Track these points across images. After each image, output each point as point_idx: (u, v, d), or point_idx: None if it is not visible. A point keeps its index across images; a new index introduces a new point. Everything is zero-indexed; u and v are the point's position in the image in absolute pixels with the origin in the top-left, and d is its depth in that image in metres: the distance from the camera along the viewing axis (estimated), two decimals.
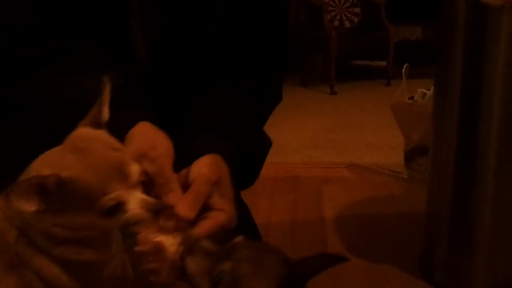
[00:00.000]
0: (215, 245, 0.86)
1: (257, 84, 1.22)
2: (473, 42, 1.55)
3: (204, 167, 0.97)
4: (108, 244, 0.92)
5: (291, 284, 0.82)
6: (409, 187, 2.62)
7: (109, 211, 0.81)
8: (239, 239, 0.86)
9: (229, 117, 1.12)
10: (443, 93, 1.71)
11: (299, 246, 2.00)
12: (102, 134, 0.86)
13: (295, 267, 0.84)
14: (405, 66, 2.74)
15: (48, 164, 0.81)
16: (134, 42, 1.15)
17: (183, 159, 0.99)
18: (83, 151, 0.82)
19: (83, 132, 0.86)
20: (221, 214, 0.95)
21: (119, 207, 0.82)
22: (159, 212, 0.87)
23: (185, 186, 0.95)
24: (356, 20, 6.17)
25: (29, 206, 0.78)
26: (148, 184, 0.93)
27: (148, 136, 0.99)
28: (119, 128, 0.96)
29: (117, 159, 0.83)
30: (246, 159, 1.11)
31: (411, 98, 2.73)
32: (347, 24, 6.15)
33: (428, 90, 2.61)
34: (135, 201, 0.83)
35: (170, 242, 0.88)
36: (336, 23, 6.08)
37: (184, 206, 0.92)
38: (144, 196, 0.85)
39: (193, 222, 0.92)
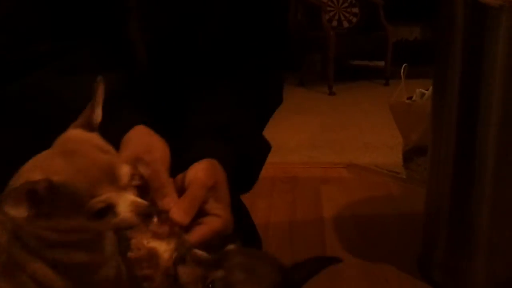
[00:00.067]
0: (208, 253, 0.85)
1: (256, 86, 1.21)
2: (472, 42, 1.55)
3: (200, 171, 0.96)
4: (102, 247, 0.92)
5: None
6: (407, 187, 2.62)
7: (98, 213, 0.80)
8: (232, 246, 0.85)
9: (227, 120, 1.11)
10: (441, 93, 1.71)
11: (298, 246, 2.00)
12: (92, 136, 0.86)
13: (289, 273, 0.83)
14: (403, 66, 2.74)
15: (37, 168, 0.81)
16: (133, 43, 1.14)
17: (179, 163, 0.98)
18: (72, 154, 0.82)
19: (73, 134, 0.86)
20: (217, 219, 0.94)
21: (109, 209, 0.81)
22: (150, 216, 0.86)
23: (181, 191, 0.94)
24: (354, 20, 6.17)
25: (21, 213, 0.77)
26: (143, 189, 0.93)
27: (143, 140, 0.98)
28: (115, 132, 0.95)
29: (106, 161, 0.83)
30: (244, 163, 1.11)
31: (410, 98, 2.73)
32: (345, 24, 6.15)
33: (427, 90, 2.61)
34: (126, 203, 0.82)
35: (164, 248, 0.88)
36: (334, 23, 6.08)
37: (179, 211, 0.91)
38: (134, 198, 0.84)
39: (188, 228, 0.91)
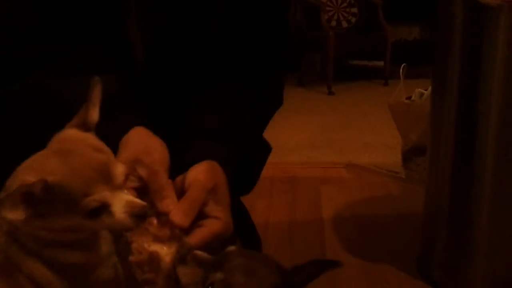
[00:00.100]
0: (208, 254, 0.84)
1: (256, 87, 1.21)
2: (471, 42, 1.55)
3: (201, 173, 0.96)
4: (97, 246, 0.91)
5: None
6: (407, 187, 2.62)
7: (93, 212, 0.80)
8: (232, 247, 0.85)
9: (227, 122, 1.11)
10: (440, 93, 1.71)
11: (297, 246, 2.00)
12: (88, 136, 0.86)
13: (289, 276, 0.82)
14: (402, 66, 2.74)
15: (32, 168, 0.81)
16: (132, 43, 1.14)
17: (179, 165, 0.98)
18: (67, 154, 0.82)
19: (68, 134, 0.86)
20: (217, 222, 0.94)
21: (103, 208, 0.81)
22: (144, 217, 0.85)
23: (181, 193, 0.94)
24: (353, 20, 6.17)
25: (18, 216, 0.78)
26: (142, 190, 0.93)
27: (142, 142, 0.98)
28: (114, 133, 0.95)
29: (101, 160, 0.83)
30: (245, 164, 1.10)
31: (409, 98, 2.73)
32: (344, 24, 6.15)
33: (426, 90, 2.62)
34: (120, 203, 0.82)
35: (165, 252, 0.87)
36: (333, 23, 6.08)
37: (179, 213, 0.90)
38: (130, 198, 0.84)
39: (188, 230, 0.91)
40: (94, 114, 0.87)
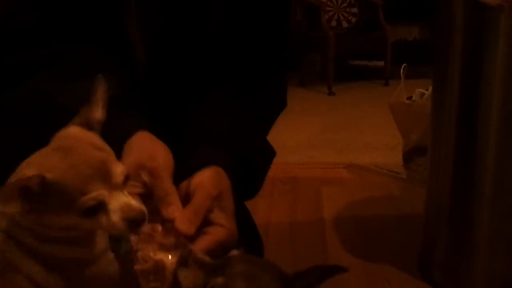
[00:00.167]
0: (210, 257, 0.84)
1: (260, 90, 1.20)
2: (471, 42, 1.55)
3: (206, 180, 0.95)
4: (94, 243, 0.90)
5: None
6: (408, 187, 2.62)
7: (89, 211, 0.80)
8: (235, 252, 0.84)
9: (231, 127, 1.10)
10: (441, 93, 1.71)
11: (298, 246, 2.00)
12: (90, 135, 0.85)
13: (291, 282, 0.81)
14: (403, 66, 2.74)
15: (32, 164, 0.81)
16: (132, 43, 1.14)
17: (183, 171, 0.97)
18: (67, 151, 0.81)
19: (71, 131, 0.86)
20: (221, 229, 0.93)
21: (100, 208, 0.80)
22: (138, 224, 0.83)
23: (185, 199, 0.93)
24: (353, 20, 6.18)
25: (13, 208, 0.77)
26: (147, 196, 0.92)
27: (146, 147, 0.97)
28: (115, 136, 0.94)
29: (100, 159, 0.82)
30: (249, 170, 1.09)
31: (409, 98, 2.73)
32: (344, 24, 6.16)
33: (426, 90, 2.61)
34: (118, 204, 0.81)
35: (170, 261, 0.87)
36: (333, 23, 6.09)
37: (183, 220, 0.90)
38: (128, 200, 0.82)
39: (192, 237, 0.90)
40: (98, 113, 0.87)
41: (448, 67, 1.63)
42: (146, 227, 0.86)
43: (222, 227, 0.93)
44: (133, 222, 0.82)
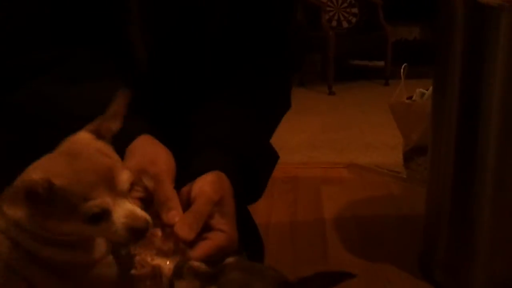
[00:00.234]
0: (206, 265, 0.82)
1: (263, 92, 1.19)
2: (472, 42, 1.55)
3: (207, 185, 0.94)
4: (95, 245, 0.89)
5: None
6: (408, 186, 2.62)
7: (93, 218, 0.79)
8: (230, 259, 0.82)
9: (233, 131, 1.09)
10: (441, 93, 1.71)
11: (299, 246, 2.00)
12: (98, 142, 0.85)
13: None
14: (403, 66, 2.74)
15: (39, 169, 0.80)
16: (133, 45, 1.13)
17: (185, 175, 0.96)
18: (74, 156, 0.81)
19: (79, 137, 0.85)
20: (222, 235, 0.92)
21: (104, 215, 0.79)
22: (142, 234, 0.82)
23: (187, 204, 0.92)
24: (354, 20, 6.18)
25: (18, 212, 0.77)
26: (148, 201, 0.91)
27: (148, 151, 0.96)
28: (118, 140, 0.93)
29: (106, 165, 0.81)
30: (251, 174, 1.08)
31: (410, 98, 2.74)
32: (345, 24, 6.16)
33: (427, 90, 2.62)
34: (122, 212, 0.80)
35: (168, 266, 0.86)
36: (334, 23, 6.09)
37: (183, 226, 0.89)
38: (133, 208, 0.82)
39: (192, 243, 0.89)
40: (114, 125, 0.86)
41: (448, 67, 1.63)
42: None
43: (223, 232, 0.92)
44: (137, 231, 0.81)
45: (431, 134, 1.80)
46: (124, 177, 0.82)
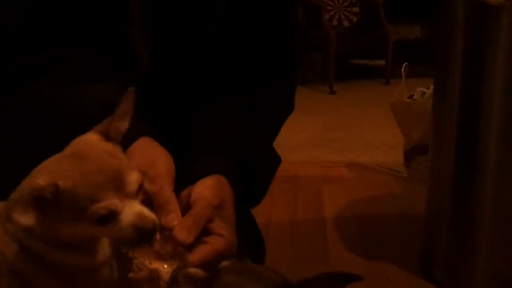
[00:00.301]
0: (204, 271, 0.80)
1: (265, 94, 1.18)
2: (473, 41, 1.55)
3: (207, 189, 0.94)
4: (101, 248, 0.89)
5: None
6: (409, 186, 2.62)
7: (101, 219, 0.78)
8: (226, 263, 0.80)
9: (235, 134, 1.08)
10: (442, 92, 1.71)
11: (299, 244, 2.00)
12: (106, 143, 0.84)
13: None
14: (404, 65, 2.74)
15: (45, 172, 0.79)
16: (134, 45, 1.13)
17: (185, 178, 0.96)
18: (81, 158, 0.80)
19: (86, 138, 0.84)
20: (221, 239, 0.91)
21: (112, 217, 0.78)
22: (151, 235, 0.82)
23: (186, 208, 0.92)
24: (355, 19, 6.18)
25: (29, 220, 0.76)
26: (147, 204, 0.91)
27: (147, 154, 0.96)
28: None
29: (114, 166, 0.80)
30: (253, 177, 1.08)
31: (411, 97, 2.73)
32: (346, 24, 6.16)
33: (428, 89, 2.62)
34: (131, 213, 0.79)
35: (166, 270, 0.85)
36: (335, 22, 6.09)
37: (182, 229, 0.88)
38: (141, 209, 0.81)
39: (190, 247, 0.89)
40: (122, 124, 0.85)
41: (449, 66, 1.63)
42: None
43: (222, 237, 0.92)
44: (145, 233, 0.80)
45: (432, 134, 1.80)
46: (133, 178, 0.81)
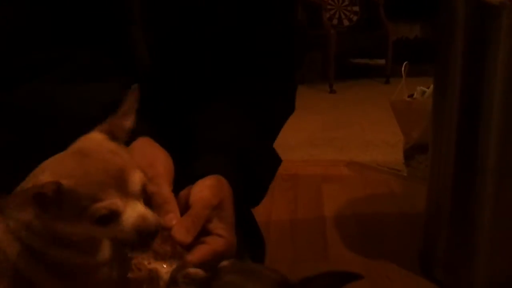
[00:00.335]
0: (204, 271, 0.79)
1: (266, 95, 1.18)
2: (473, 40, 1.55)
3: (206, 189, 0.93)
4: (102, 248, 0.88)
5: None
6: (409, 184, 2.62)
7: (102, 219, 0.77)
8: (225, 263, 0.80)
9: (235, 135, 1.08)
10: (442, 91, 1.71)
11: (299, 243, 2.00)
12: (110, 142, 0.83)
13: None
14: (404, 64, 2.74)
15: (48, 170, 0.79)
16: (135, 45, 1.13)
17: (184, 178, 0.96)
18: (84, 156, 0.80)
19: (91, 136, 0.84)
20: (219, 240, 0.91)
21: (113, 217, 0.78)
22: (153, 237, 0.81)
23: (185, 208, 0.91)
24: (355, 18, 6.18)
25: (26, 216, 0.76)
26: (145, 204, 0.91)
27: (146, 153, 0.95)
28: None
29: (117, 166, 0.79)
30: (252, 178, 1.07)
31: (411, 96, 2.74)
32: (346, 23, 6.16)
33: (428, 88, 2.62)
34: (133, 213, 0.78)
35: (165, 270, 0.85)
36: (335, 21, 6.09)
37: (181, 229, 0.88)
38: (144, 210, 0.80)
39: (189, 247, 0.88)
40: (127, 122, 0.85)
41: (449, 65, 1.63)
42: None
43: (221, 237, 0.91)
44: (147, 234, 0.80)
45: (432, 133, 1.80)
46: (136, 178, 0.80)
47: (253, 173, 1.08)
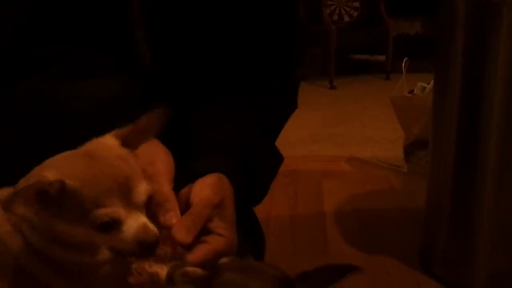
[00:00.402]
0: (203, 270, 0.78)
1: (266, 93, 1.17)
2: (473, 37, 1.55)
3: (207, 188, 0.92)
4: (102, 248, 0.88)
5: None
6: (409, 180, 2.63)
7: (103, 226, 0.76)
8: (225, 260, 0.78)
9: (236, 133, 1.07)
10: (443, 87, 1.71)
11: (299, 239, 2.01)
12: (122, 149, 0.82)
13: (292, 286, 0.74)
14: (405, 60, 2.74)
15: (54, 167, 0.78)
16: (136, 44, 1.12)
17: (185, 177, 0.95)
18: (92, 159, 0.78)
19: (103, 140, 0.82)
20: (220, 239, 0.89)
21: (114, 225, 0.76)
22: (152, 250, 0.79)
23: (185, 206, 0.90)
24: (355, 14, 6.17)
25: (28, 212, 0.75)
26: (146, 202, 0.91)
27: (146, 151, 0.93)
28: None
29: (125, 173, 0.78)
30: (254, 176, 1.07)
31: (411, 92, 2.74)
32: (346, 19, 6.15)
33: (428, 84, 2.62)
34: (134, 224, 0.77)
35: (166, 273, 0.82)
36: (335, 17, 6.08)
37: (181, 229, 0.86)
38: (146, 222, 0.78)
39: (190, 246, 0.87)
40: (144, 137, 0.84)
41: (449, 61, 1.64)
42: None
43: (221, 236, 0.90)
44: (147, 246, 0.78)
45: (432, 132, 1.80)
46: (142, 189, 0.79)
47: (253, 173, 1.07)
